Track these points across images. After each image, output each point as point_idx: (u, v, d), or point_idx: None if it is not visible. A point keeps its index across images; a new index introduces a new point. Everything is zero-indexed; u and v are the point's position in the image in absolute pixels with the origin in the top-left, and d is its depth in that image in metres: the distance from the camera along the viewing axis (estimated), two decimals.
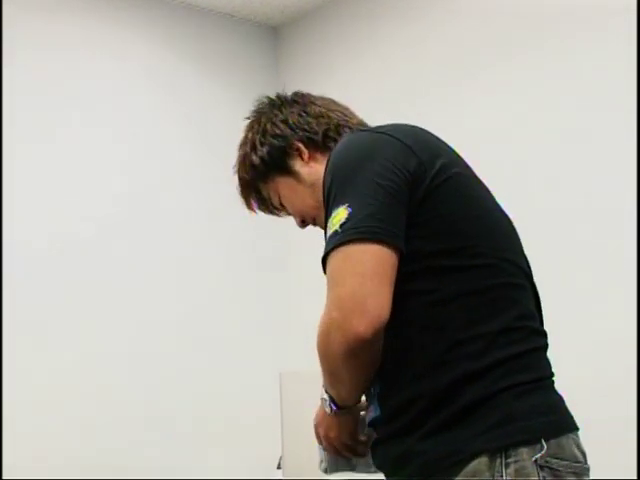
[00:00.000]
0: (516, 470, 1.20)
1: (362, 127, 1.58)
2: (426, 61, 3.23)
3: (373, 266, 1.24)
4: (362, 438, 1.49)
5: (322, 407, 1.47)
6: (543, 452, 1.22)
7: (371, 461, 1.45)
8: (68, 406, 3.06)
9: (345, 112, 1.62)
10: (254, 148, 1.59)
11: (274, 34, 3.92)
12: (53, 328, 3.09)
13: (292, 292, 3.67)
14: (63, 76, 3.29)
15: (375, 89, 3.40)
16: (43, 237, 3.13)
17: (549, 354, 1.36)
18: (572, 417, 1.32)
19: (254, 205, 1.68)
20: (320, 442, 1.52)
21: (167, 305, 3.38)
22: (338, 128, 1.57)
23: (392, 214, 1.27)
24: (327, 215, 1.32)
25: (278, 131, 1.57)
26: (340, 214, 1.27)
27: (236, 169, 1.66)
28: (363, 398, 1.43)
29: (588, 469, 1.30)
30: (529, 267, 1.42)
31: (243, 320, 3.57)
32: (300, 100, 1.62)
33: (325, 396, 1.44)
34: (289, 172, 1.57)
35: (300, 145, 1.56)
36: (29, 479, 2.84)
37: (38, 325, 3.06)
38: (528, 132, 2.85)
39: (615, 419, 2.51)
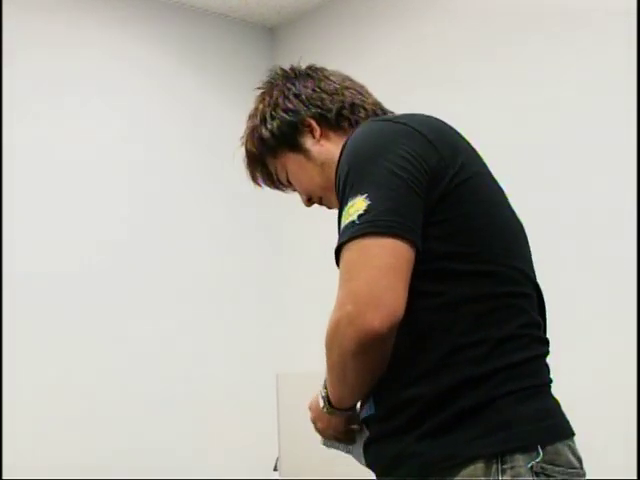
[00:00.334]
0: (512, 477, 1.20)
1: (377, 109, 1.55)
2: (425, 62, 3.22)
3: (390, 261, 1.21)
4: (353, 427, 1.46)
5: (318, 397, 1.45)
6: (539, 459, 1.21)
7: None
8: (68, 406, 3.05)
9: (361, 91, 1.57)
10: (264, 121, 1.54)
11: (270, 35, 3.92)
12: (53, 328, 3.08)
13: (290, 294, 3.67)
14: (60, 76, 3.28)
15: (372, 90, 3.37)
16: (43, 237, 3.12)
17: (550, 355, 1.36)
18: (568, 422, 1.32)
19: (259, 179, 1.63)
20: None
21: (167, 305, 3.38)
22: (353, 107, 1.53)
23: (411, 208, 1.24)
24: (342, 203, 1.28)
25: (290, 105, 1.52)
26: (358, 204, 1.23)
27: (244, 141, 1.61)
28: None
29: (584, 474, 1.30)
30: (534, 272, 1.40)
31: (243, 320, 3.57)
32: (314, 74, 1.57)
33: (323, 392, 1.41)
34: (299, 149, 1.52)
35: (312, 122, 1.52)
36: (29, 479, 2.83)
37: (38, 325, 3.05)
38: (528, 132, 2.85)
39: (615, 419, 2.51)
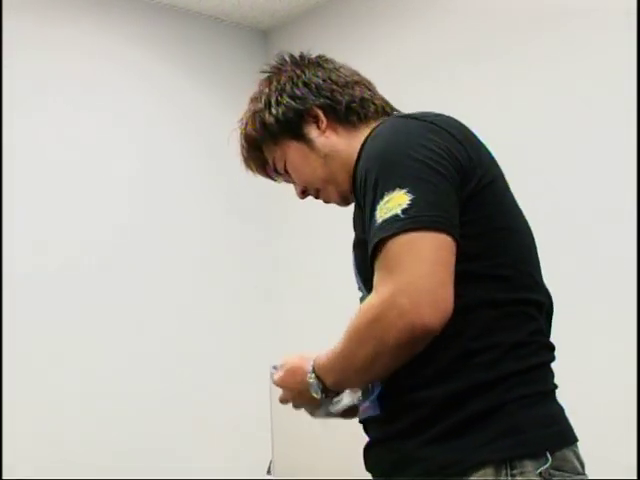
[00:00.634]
0: None
1: (386, 106, 1.52)
2: (424, 63, 3.23)
3: (441, 255, 1.19)
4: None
5: (296, 375, 1.38)
6: (548, 465, 1.21)
7: (330, 408, 1.39)
8: (68, 407, 3.04)
9: (369, 86, 1.53)
10: (269, 106, 1.47)
11: (264, 38, 3.92)
12: (53, 328, 3.07)
13: (290, 294, 3.64)
14: (54, 78, 3.28)
15: None
16: (42, 238, 3.11)
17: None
18: (572, 428, 1.32)
19: (253, 165, 1.56)
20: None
21: (166, 305, 3.37)
22: (363, 102, 1.48)
23: (452, 204, 1.23)
24: (375, 197, 1.24)
25: (299, 92, 1.46)
26: (398, 198, 1.20)
27: (242, 124, 1.53)
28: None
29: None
30: (542, 278, 1.40)
31: (242, 321, 3.58)
32: (325, 65, 1.52)
33: (313, 380, 1.33)
34: (303, 138, 1.47)
35: (319, 112, 1.46)
36: (29, 479, 2.81)
37: (38, 325, 3.03)
38: (528, 131, 2.86)
39: (615, 419, 2.51)
